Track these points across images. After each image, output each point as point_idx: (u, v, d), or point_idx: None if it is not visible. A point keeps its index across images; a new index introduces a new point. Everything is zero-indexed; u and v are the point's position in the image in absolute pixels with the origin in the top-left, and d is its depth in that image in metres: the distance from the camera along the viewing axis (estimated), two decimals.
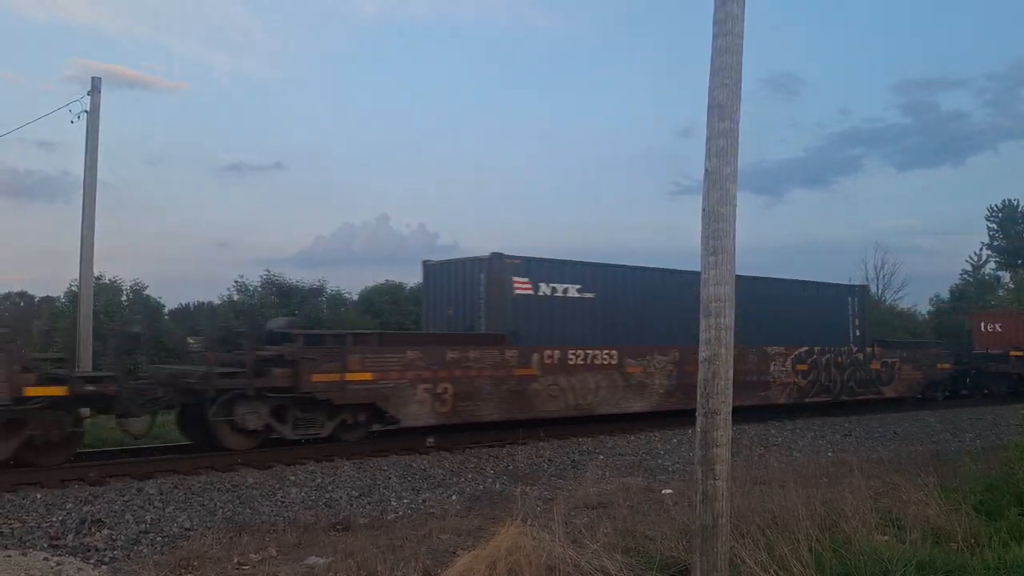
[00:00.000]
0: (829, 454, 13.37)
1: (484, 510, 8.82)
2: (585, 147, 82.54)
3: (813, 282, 21.24)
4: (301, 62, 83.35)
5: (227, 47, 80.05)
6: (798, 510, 6.42)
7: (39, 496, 9.30)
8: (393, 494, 10.24)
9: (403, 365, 13.17)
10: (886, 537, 6.29)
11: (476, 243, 73.81)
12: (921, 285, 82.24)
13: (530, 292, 15.27)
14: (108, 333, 13.87)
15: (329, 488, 10.36)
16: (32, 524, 8.23)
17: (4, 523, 8.21)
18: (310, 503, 9.67)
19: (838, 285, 22.76)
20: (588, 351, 15.37)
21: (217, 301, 29.80)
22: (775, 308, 18.83)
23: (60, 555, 7.09)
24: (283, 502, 9.66)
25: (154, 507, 9.10)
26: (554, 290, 15.62)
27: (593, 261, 16.79)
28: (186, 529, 8.36)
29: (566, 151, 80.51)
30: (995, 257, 60.40)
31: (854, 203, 76.95)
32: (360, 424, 13.10)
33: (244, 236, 67.40)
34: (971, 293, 46.79)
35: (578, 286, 15.99)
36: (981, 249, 60.31)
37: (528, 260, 15.51)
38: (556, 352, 14.93)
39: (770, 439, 15.37)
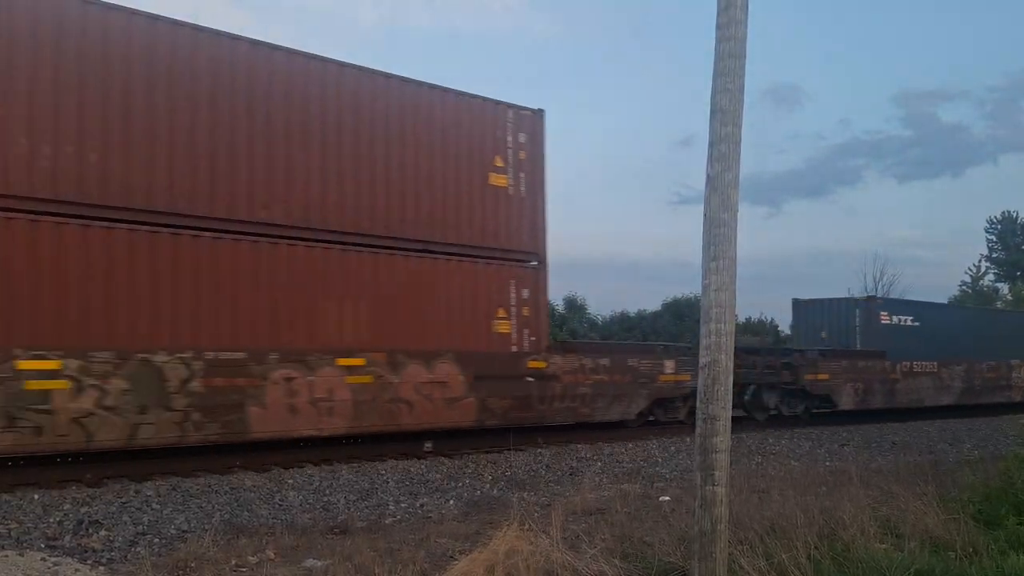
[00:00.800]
0: (827, 463, 13.35)
1: (482, 515, 8.80)
2: (585, 156, 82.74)
3: None
4: None
5: None
6: (797, 517, 6.43)
7: (36, 497, 9.29)
8: (391, 498, 10.22)
9: (841, 369, 20.37)
10: (884, 545, 6.28)
11: None
12: (920, 296, 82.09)
13: (889, 322, 22.84)
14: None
15: (327, 492, 10.35)
16: (29, 525, 8.22)
17: (1, 524, 8.20)
18: (308, 506, 9.65)
19: None
20: (922, 362, 22.54)
21: None
22: (1009, 332, 26.63)
23: (57, 556, 7.07)
24: (281, 505, 9.65)
25: (152, 509, 9.09)
26: (899, 320, 23.39)
27: (918, 300, 26.80)
28: (183, 531, 8.34)
29: (566, 159, 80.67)
30: (994, 269, 60.52)
31: (854, 214, 77.20)
32: (813, 408, 20.30)
33: None
34: (970, 304, 46.80)
35: (911, 317, 23.81)
36: (980, 261, 60.45)
37: (887, 299, 25.02)
38: (908, 363, 22.07)
39: (768, 448, 15.36)
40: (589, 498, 9.23)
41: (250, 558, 6.79)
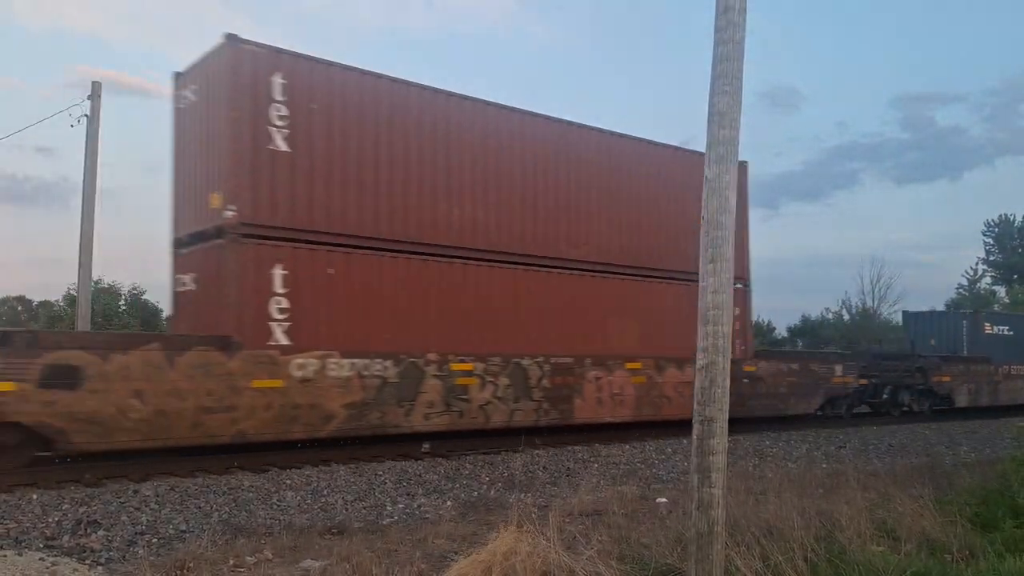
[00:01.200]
0: (824, 465, 13.36)
1: (479, 516, 8.81)
2: None
3: None
4: None
5: None
6: (793, 520, 6.44)
7: (35, 497, 9.30)
8: (389, 499, 10.23)
9: (958, 373, 24.29)
10: (881, 548, 6.30)
11: None
12: (917, 299, 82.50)
13: (992, 332, 27.35)
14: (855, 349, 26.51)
15: (325, 492, 10.36)
16: (28, 525, 8.23)
17: (0, 523, 8.21)
18: (306, 507, 9.66)
19: None
20: (1018, 366, 26.70)
21: None
22: None
23: (56, 556, 7.08)
24: (279, 506, 9.65)
25: (150, 509, 9.09)
26: (999, 330, 27.74)
27: (1010, 313, 32.64)
28: (182, 531, 8.35)
29: None
30: (991, 272, 60.61)
31: (851, 217, 77.38)
32: (929, 405, 23.49)
33: None
34: (967, 307, 46.86)
35: (1008, 327, 28.18)
36: (977, 263, 60.55)
37: (989, 312, 29.65)
38: (1008, 367, 26.26)
39: (765, 450, 15.37)
40: (586, 500, 9.24)
41: (248, 558, 6.80)
